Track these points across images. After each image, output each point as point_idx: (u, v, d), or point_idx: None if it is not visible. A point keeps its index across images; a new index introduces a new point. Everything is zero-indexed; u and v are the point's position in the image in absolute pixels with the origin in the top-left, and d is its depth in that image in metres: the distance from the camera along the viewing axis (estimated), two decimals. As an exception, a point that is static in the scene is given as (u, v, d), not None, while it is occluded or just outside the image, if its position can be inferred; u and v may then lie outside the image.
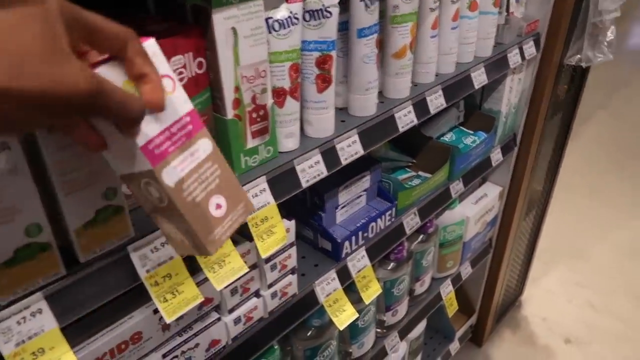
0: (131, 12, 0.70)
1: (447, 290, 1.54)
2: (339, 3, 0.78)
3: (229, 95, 0.70)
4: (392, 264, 1.25)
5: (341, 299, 1.06)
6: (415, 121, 1.02)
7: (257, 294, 0.90)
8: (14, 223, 0.53)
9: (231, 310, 0.87)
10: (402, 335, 1.40)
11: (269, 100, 0.76)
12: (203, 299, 0.72)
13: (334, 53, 0.82)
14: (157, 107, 0.46)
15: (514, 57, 1.27)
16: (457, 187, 1.31)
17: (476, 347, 1.99)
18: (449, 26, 1.07)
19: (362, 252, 1.09)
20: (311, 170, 0.84)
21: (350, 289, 1.10)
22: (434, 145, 1.29)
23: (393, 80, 0.99)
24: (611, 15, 1.36)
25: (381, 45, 0.96)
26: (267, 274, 0.89)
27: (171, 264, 0.67)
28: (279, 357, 1.02)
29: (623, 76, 4.24)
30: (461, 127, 1.41)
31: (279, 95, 0.78)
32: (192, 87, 0.67)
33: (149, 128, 0.46)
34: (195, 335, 0.82)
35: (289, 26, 0.73)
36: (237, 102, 0.71)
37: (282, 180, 0.80)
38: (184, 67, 0.65)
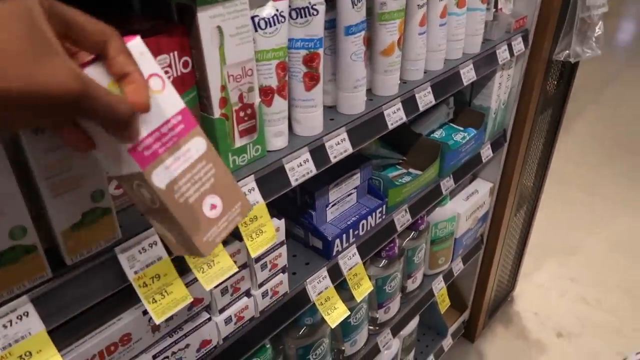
0: (116, 11, 0.69)
1: (439, 287, 1.55)
2: (326, 0, 0.78)
3: (215, 94, 0.70)
4: (383, 261, 1.25)
5: (333, 297, 1.06)
6: (405, 118, 1.02)
7: (247, 293, 0.90)
8: (-2, 226, 0.52)
9: (222, 310, 0.87)
10: (395, 332, 1.41)
11: (257, 99, 0.75)
12: (192, 300, 0.71)
13: (321, 51, 0.82)
14: (141, 108, 0.44)
15: (502, 54, 1.27)
16: (447, 183, 1.31)
17: (469, 343, 2.00)
18: (437, 23, 1.07)
19: (353, 249, 1.09)
20: (300, 169, 0.84)
21: (342, 287, 1.10)
22: (424, 142, 1.29)
23: (381, 78, 0.99)
24: (599, 11, 1.36)
25: (369, 42, 0.96)
26: (258, 273, 0.89)
27: (160, 264, 0.67)
28: (271, 356, 1.02)
29: (613, 72, 4.28)
30: (451, 124, 1.41)
31: (267, 93, 0.78)
32: (178, 86, 0.66)
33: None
34: (186, 335, 0.82)
35: (275, 24, 0.73)
36: (224, 101, 0.71)
37: (271, 179, 0.80)
38: (170, 66, 0.64)
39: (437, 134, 1.37)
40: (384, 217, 1.14)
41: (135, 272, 0.65)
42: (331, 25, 0.87)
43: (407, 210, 1.20)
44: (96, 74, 0.42)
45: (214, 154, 0.52)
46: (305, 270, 1.03)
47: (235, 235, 0.83)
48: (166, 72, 0.64)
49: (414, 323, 1.54)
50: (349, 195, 1.11)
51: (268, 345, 1.01)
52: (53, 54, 0.37)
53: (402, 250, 1.32)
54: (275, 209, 0.90)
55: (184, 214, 0.48)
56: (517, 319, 2.11)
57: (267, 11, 0.72)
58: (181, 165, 0.48)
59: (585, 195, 2.80)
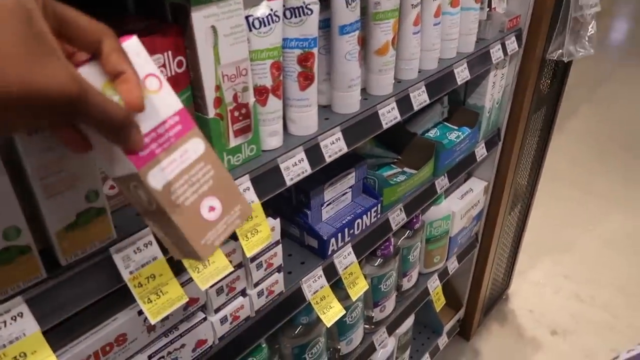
0: (110, 11, 0.69)
1: (435, 285, 1.55)
2: (320, 0, 0.78)
3: (210, 94, 0.70)
4: (379, 260, 1.26)
5: (328, 296, 1.06)
6: (399, 117, 1.02)
7: (243, 293, 0.90)
8: (-9, 226, 0.52)
9: (217, 310, 0.87)
10: (391, 330, 1.41)
11: (251, 99, 0.76)
12: (188, 299, 0.71)
13: (315, 50, 0.82)
14: (134, 108, 0.43)
15: (496, 53, 1.27)
16: (442, 182, 1.32)
17: (464, 341, 2.00)
18: (431, 22, 1.07)
19: (349, 248, 1.09)
20: (295, 168, 0.84)
21: (338, 286, 1.10)
22: (419, 142, 1.30)
23: (376, 77, 0.99)
24: (592, 10, 1.37)
25: (363, 42, 0.96)
26: (253, 273, 0.89)
27: (155, 264, 0.67)
28: (266, 355, 1.02)
29: (606, 71, 4.30)
30: (445, 123, 1.42)
31: (261, 93, 0.78)
32: (172, 86, 0.64)
33: None
34: (181, 335, 0.82)
35: (269, 24, 0.73)
36: (219, 101, 0.71)
37: (266, 179, 0.80)
38: (164, 65, 0.64)
39: (431, 133, 1.37)
40: (379, 216, 1.15)
41: (131, 272, 0.65)
42: (325, 24, 0.87)
43: (402, 209, 1.21)
44: (91, 73, 0.42)
45: (213, 156, 0.51)
46: (301, 269, 1.03)
47: (230, 235, 0.82)
48: (160, 72, 0.64)
49: (409, 321, 1.55)
50: (344, 194, 1.12)
51: (264, 345, 1.01)
52: (51, 56, 0.36)
53: (397, 249, 1.32)
54: (270, 209, 0.90)
55: (181, 216, 0.48)
56: (512, 316, 2.12)
57: (261, 11, 0.72)
58: (178, 167, 0.48)
59: (579, 193, 2.82)
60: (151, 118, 0.46)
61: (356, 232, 1.10)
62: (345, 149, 0.92)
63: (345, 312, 1.09)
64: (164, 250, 0.67)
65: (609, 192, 2.82)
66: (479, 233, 1.73)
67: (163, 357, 0.80)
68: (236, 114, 0.74)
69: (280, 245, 0.92)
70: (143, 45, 0.47)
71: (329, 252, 1.04)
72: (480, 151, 1.44)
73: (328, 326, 1.07)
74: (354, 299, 1.13)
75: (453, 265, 1.63)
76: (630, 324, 2.07)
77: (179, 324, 0.82)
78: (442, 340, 1.80)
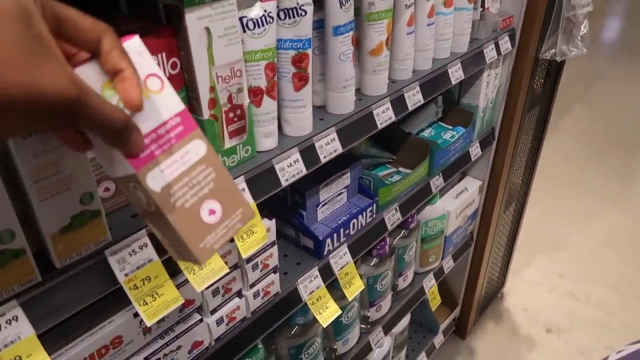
0: (103, 12, 0.69)
1: (430, 285, 1.56)
2: (314, 1, 0.78)
3: (204, 96, 0.70)
4: (374, 260, 1.26)
5: (324, 296, 1.06)
6: (394, 118, 1.02)
7: (239, 294, 0.90)
8: (-15, 230, 0.52)
9: (213, 311, 0.87)
10: (387, 330, 1.41)
11: (246, 100, 0.76)
12: (184, 301, 0.71)
13: (309, 51, 0.82)
14: (132, 107, 0.43)
15: (490, 53, 1.28)
16: (437, 182, 1.32)
17: (460, 340, 2.01)
18: (424, 23, 1.08)
19: (344, 249, 1.09)
20: (290, 169, 0.84)
21: (333, 286, 1.10)
22: (414, 141, 1.30)
23: (370, 78, 0.99)
24: (584, 10, 1.38)
25: (357, 42, 0.96)
26: (249, 274, 0.89)
27: (150, 266, 0.67)
28: (263, 356, 1.02)
29: (599, 70, 4.33)
30: (440, 123, 1.42)
31: (256, 94, 0.78)
32: None
33: None
34: (177, 337, 0.81)
35: (263, 25, 0.73)
36: (213, 102, 0.71)
37: (261, 180, 0.80)
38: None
39: (426, 133, 1.38)
40: (374, 216, 1.15)
41: (126, 275, 0.64)
42: (319, 25, 0.88)
43: (398, 209, 1.21)
44: (90, 73, 0.41)
45: (215, 158, 0.50)
46: (297, 270, 1.03)
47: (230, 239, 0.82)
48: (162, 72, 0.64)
49: (405, 321, 1.55)
50: (339, 194, 1.12)
51: (260, 346, 1.01)
52: (50, 58, 0.36)
53: (393, 249, 1.32)
54: (266, 210, 0.90)
55: (179, 218, 0.47)
56: (507, 315, 2.13)
57: (255, 12, 0.72)
58: (178, 168, 0.47)
59: (574, 192, 2.83)
60: (152, 118, 0.45)
61: (352, 232, 1.10)
62: (340, 150, 0.92)
63: (341, 312, 1.09)
64: (160, 252, 0.67)
65: (603, 190, 2.84)
66: (474, 232, 1.74)
67: (159, 359, 0.80)
68: (231, 115, 0.74)
69: (276, 246, 0.92)
70: None
71: (325, 253, 1.05)
72: (475, 150, 1.44)
73: (324, 326, 1.07)
74: (350, 299, 1.13)
75: (448, 264, 1.63)
76: (624, 322, 2.08)
77: (175, 325, 0.82)
78: (438, 339, 1.81)
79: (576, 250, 2.43)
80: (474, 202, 1.61)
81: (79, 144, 0.44)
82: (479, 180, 1.61)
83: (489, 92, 1.41)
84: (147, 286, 0.67)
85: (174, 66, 0.66)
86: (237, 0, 0.68)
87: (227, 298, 0.88)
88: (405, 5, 0.99)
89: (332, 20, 0.85)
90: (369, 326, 1.36)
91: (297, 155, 0.85)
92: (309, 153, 0.87)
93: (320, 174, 1.05)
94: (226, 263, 0.79)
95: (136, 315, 0.73)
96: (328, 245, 1.04)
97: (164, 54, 0.64)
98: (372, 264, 1.26)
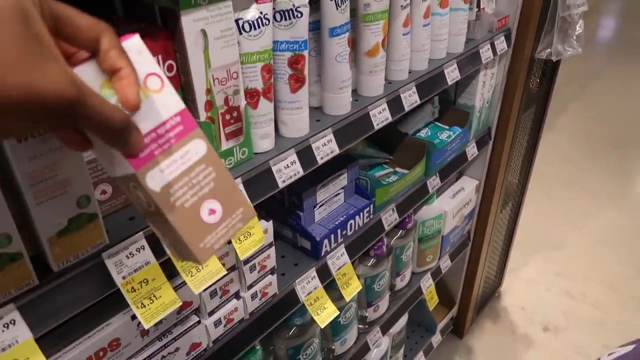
0: (98, 14, 0.69)
1: (428, 284, 1.56)
2: (310, 2, 0.78)
3: (200, 98, 0.70)
4: (372, 260, 1.26)
5: (322, 297, 1.06)
6: (390, 118, 1.02)
7: (237, 295, 0.90)
8: (-18, 234, 0.52)
9: (211, 313, 0.87)
10: (384, 330, 1.42)
11: (242, 102, 0.76)
12: (181, 303, 0.71)
13: (306, 53, 0.82)
14: (129, 106, 0.42)
15: (485, 53, 1.28)
16: (434, 182, 1.33)
17: (457, 339, 2.02)
18: (420, 23, 1.08)
19: (342, 249, 1.09)
20: (287, 171, 0.84)
21: (331, 287, 1.10)
22: (410, 142, 1.30)
23: (367, 79, 1.00)
24: (579, 10, 1.39)
25: (353, 43, 0.96)
26: (247, 275, 0.89)
27: (148, 269, 0.67)
28: (261, 357, 1.02)
29: (594, 69, 4.34)
30: (436, 123, 1.43)
31: (252, 96, 0.78)
32: None
33: None
34: (175, 339, 0.81)
35: (259, 27, 0.73)
36: (210, 105, 0.71)
37: (258, 181, 0.80)
38: (154, 70, 0.64)
39: (422, 133, 1.38)
40: (371, 216, 1.15)
41: (123, 277, 0.64)
42: (316, 27, 0.88)
43: (395, 209, 1.21)
44: (88, 72, 0.41)
45: (215, 158, 0.50)
46: (294, 271, 1.03)
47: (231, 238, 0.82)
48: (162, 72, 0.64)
49: (403, 321, 1.55)
50: (336, 195, 1.12)
51: (258, 347, 1.01)
52: (49, 58, 0.35)
53: (390, 249, 1.33)
54: (263, 211, 0.90)
55: (179, 218, 0.47)
56: (504, 314, 2.13)
57: (251, 14, 0.72)
58: (178, 168, 0.47)
59: (570, 191, 2.84)
60: (151, 118, 0.45)
61: (349, 233, 1.10)
62: (337, 151, 0.92)
63: (339, 312, 1.10)
64: (157, 255, 0.67)
65: (599, 189, 2.85)
66: (471, 232, 1.74)
67: (157, 361, 0.80)
68: (227, 117, 0.74)
69: (274, 247, 0.92)
70: None
71: (322, 253, 1.05)
72: (471, 150, 1.45)
73: (322, 327, 1.07)
74: (347, 299, 1.13)
75: (446, 264, 1.64)
76: (620, 320, 2.09)
77: (172, 327, 0.82)
78: (436, 339, 1.81)
79: (573, 249, 2.44)
80: (470, 201, 1.62)
81: (78, 144, 0.44)
82: (476, 179, 1.62)
83: (485, 92, 1.42)
84: (144, 289, 0.67)
85: (170, 68, 0.66)
86: (233, 2, 0.68)
87: (224, 300, 0.88)
88: (401, 6, 1.00)
89: (328, 21, 0.85)
90: (366, 326, 1.36)
91: (294, 157, 0.85)
92: (305, 154, 0.87)
93: (317, 175, 1.05)
94: (224, 265, 0.79)
95: (134, 317, 0.73)
96: (325, 246, 1.05)
97: (160, 56, 0.64)
98: (369, 265, 1.26)
